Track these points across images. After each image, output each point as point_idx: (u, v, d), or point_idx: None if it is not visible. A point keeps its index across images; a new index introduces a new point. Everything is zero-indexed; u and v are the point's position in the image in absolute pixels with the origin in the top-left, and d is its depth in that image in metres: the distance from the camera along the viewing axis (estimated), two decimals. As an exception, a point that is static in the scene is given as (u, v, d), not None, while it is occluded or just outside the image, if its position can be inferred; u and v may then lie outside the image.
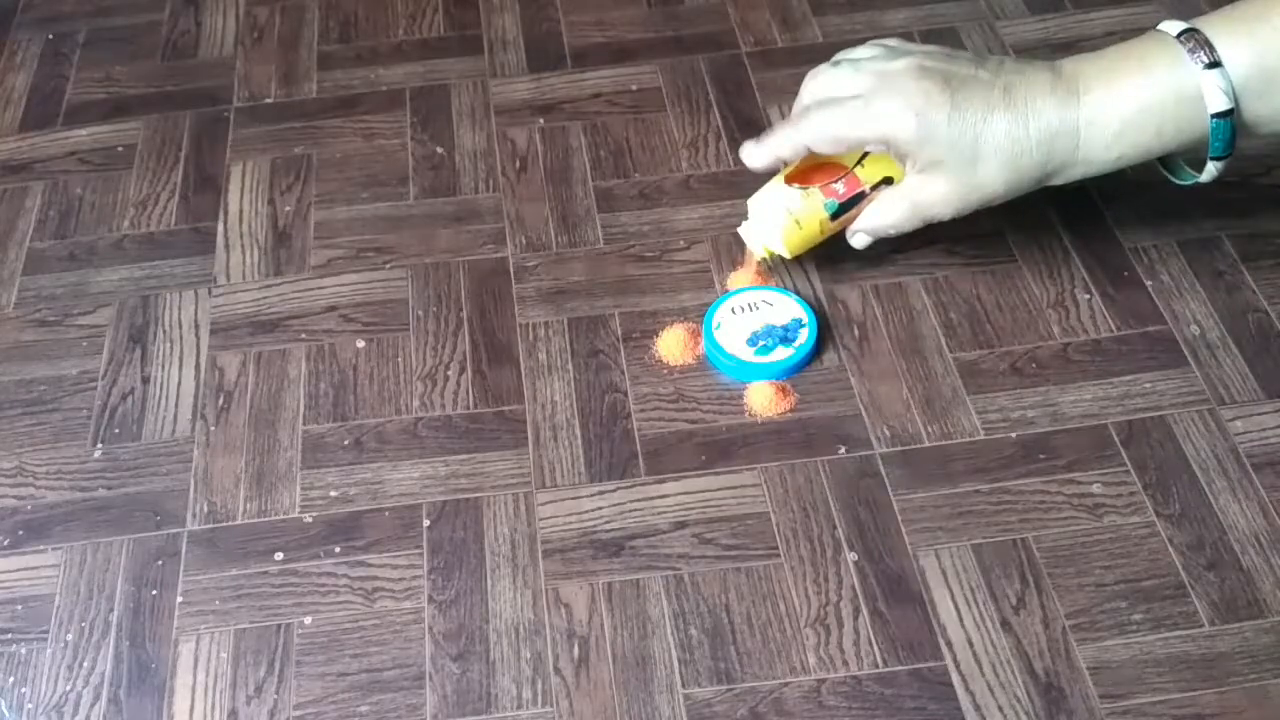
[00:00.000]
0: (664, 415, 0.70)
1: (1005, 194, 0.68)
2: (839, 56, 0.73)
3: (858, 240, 0.73)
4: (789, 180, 0.72)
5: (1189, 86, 0.63)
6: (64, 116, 0.91)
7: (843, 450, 0.68)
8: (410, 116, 0.89)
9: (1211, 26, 0.63)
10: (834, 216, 0.71)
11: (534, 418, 0.70)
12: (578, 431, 0.69)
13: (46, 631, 0.63)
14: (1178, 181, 0.70)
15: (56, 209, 0.84)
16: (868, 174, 0.71)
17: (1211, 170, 0.66)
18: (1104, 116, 0.65)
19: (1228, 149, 0.64)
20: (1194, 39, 0.63)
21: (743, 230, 0.74)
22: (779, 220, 0.71)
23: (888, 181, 0.71)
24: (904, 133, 0.66)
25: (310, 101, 0.91)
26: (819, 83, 0.71)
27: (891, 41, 0.73)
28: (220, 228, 0.82)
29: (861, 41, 0.90)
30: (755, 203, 0.73)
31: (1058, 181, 0.68)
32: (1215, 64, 0.62)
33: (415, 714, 0.59)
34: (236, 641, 0.62)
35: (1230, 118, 0.63)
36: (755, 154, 0.72)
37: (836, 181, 0.71)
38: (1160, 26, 0.65)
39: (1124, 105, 0.64)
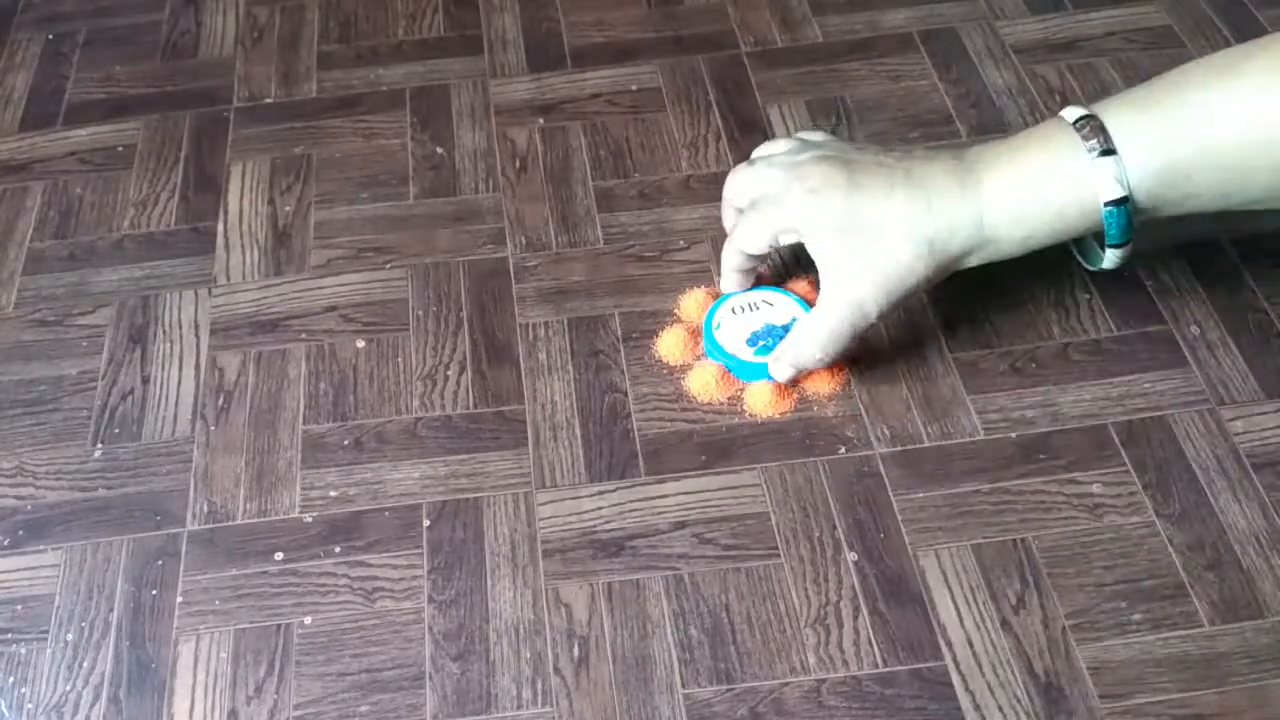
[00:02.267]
0: (664, 415, 0.70)
1: (921, 272, 0.65)
2: (757, 153, 0.73)
3: (780, 372, 0.69)
4: None
5: (1086, 173, 0.62)
6: (64, 116, 0.91)
7: (843, 450, 0.68)
8: (410, 116, 0.89)
9: (1110, 112, 0.62)
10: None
11: (534, 418, 0.70)
12: (578, 431, 0.69)
13: (46, 631, 0.63)
14: (1088, 266, 0.70)
15: (56, 209, 0.84)
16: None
17: (1112, 257, 0.65)
18: (1003, 199, 0.63)
19: (1124, 236, 0.63)
20: (1090, 125, 0.62)
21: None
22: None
23: None
24: (804, 212, 0.66)
25: (310, 101, 0.91)
26: (737, 186, 0.72)
27: (809, 134, 0.73)
28: (220, 228, 0.82)
29: (862, 42, 0.91)
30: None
31: (975, 261, 0.66)
32: (1109, 151, 0.61)
33: (415, 714, 0.59)
34: (236, 641, 0.62)
35: (1125, 205, 0.62)
36: (726, 283, 0.73)
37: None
38: (1063, 112, 0.64)
39: (1022, 189, 0.63)
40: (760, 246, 0.70)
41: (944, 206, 0.64)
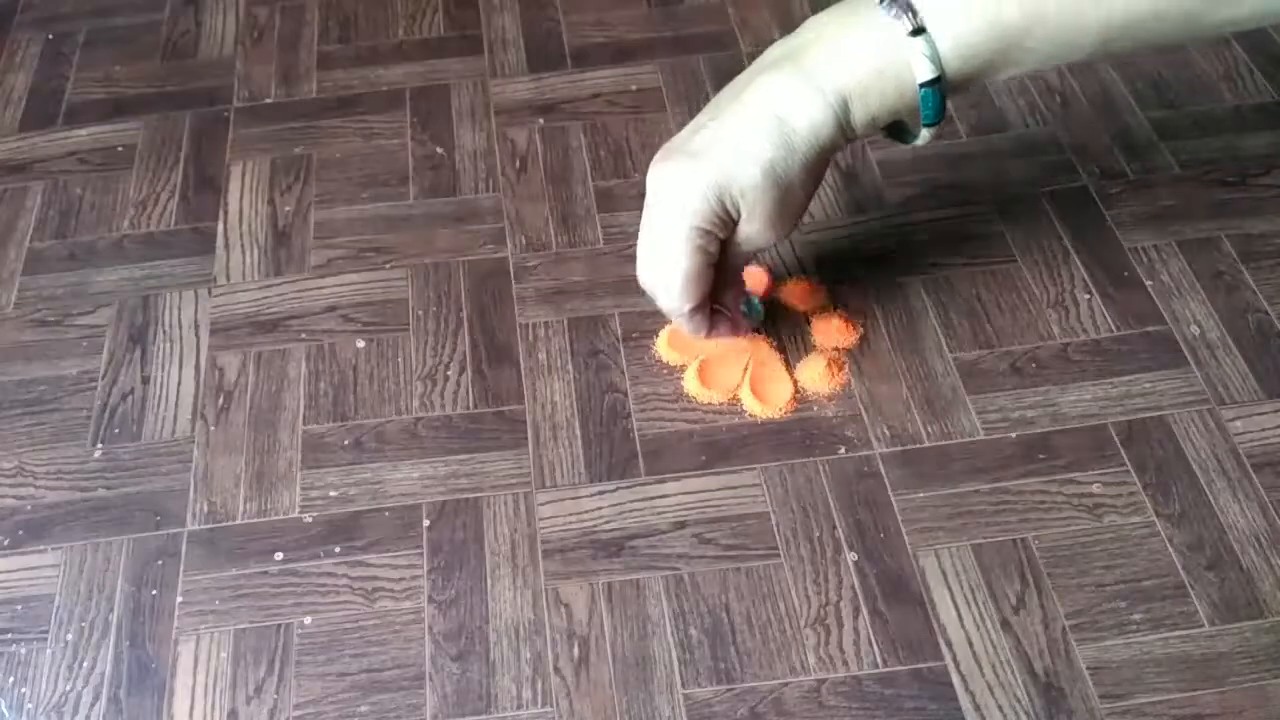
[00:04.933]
0: (664, 415, 0.70)
1: (804, 177, 0.61)
2: None
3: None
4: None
5: (899, 52, 0.58)
6: (64, 116, 0.91)
7: (843, 450, 0.68)
8: (410, 116, 0.89)
9: None
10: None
11: (534, 418, 0.70)
12: (578, 431, 0.69)
13: (46, 631, 0.63)
14: (903, 144, 0.66)
15: (56, 209, 0.84)
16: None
17: (925, 135, 0.62)
18: (834, 77, 0.59)
19: (938, 116, 0.59)
20: (895, 5, 0.58)
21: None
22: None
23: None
24: (697, 197, 0.61)
25: (310, 101, 0.91)
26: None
27: None
28: (220, 228, 0.82)
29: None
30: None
31: (840, 148, 0.61)
32: (920, 30, 0.57)
33: (415, 714, 0.59)
34: (236, 641, 0.62)
35: (937, 86, 0.58)
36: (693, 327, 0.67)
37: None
38: None
39: (847, 71, 0.59)
40: (697, 286, 0.63)
41: (797, 114, 0.60)
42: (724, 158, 0.60)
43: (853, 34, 0.60)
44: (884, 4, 0.58)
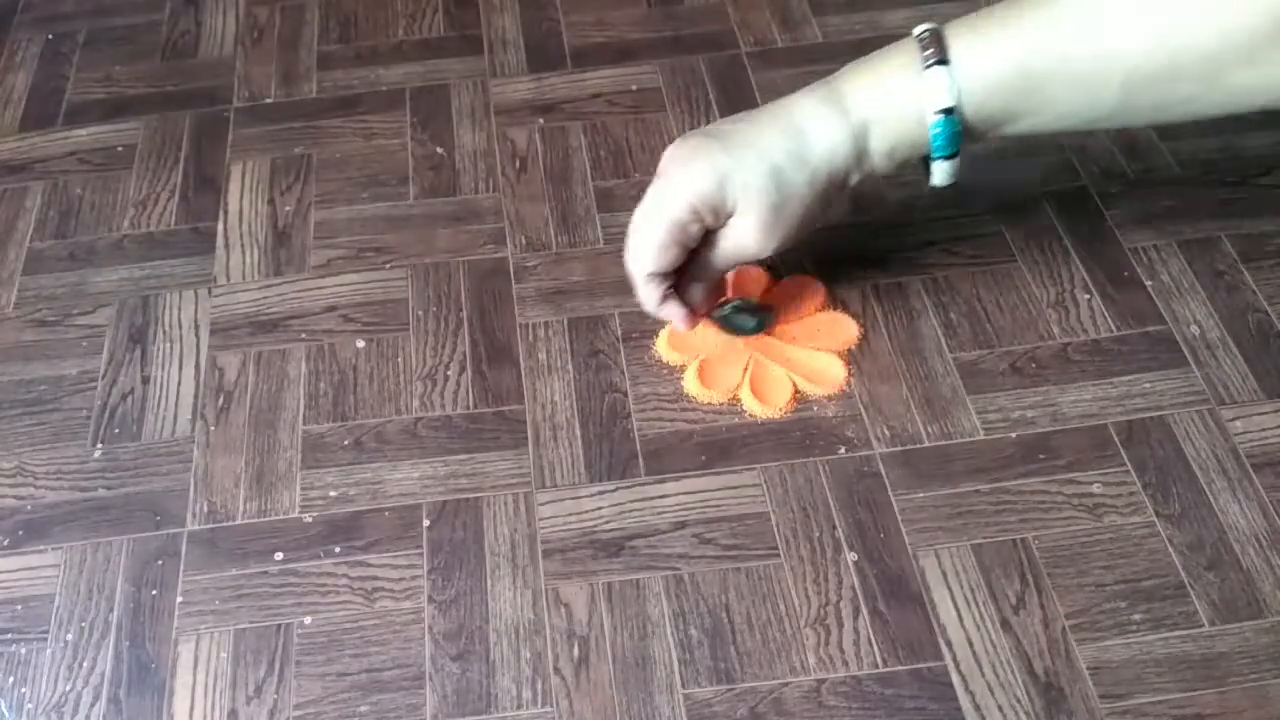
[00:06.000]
0: (664, 415, 0.70)
1: (810, 198, 0.63)
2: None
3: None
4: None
5: (921, 83, 0.61)
6: (64, 116, 0.91)
7: (843, 450, 0.68)
8: (410, 116, 0.89)
9: (953, 27, 0.62)
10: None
11: (534, 418, 0.70)
12: (578, 431, 0.69)
13: (46, 631, 0.63)
14: (930, 185, 0.67)
15: (56, 209, 0.84)
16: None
17: (939, 170, 0.64)
18: (866, 111, 0.63)
19: (949, 148, 0.62)
20: (931, 35, 0.61)
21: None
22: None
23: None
24: (685, 175, 0.63)
25: (310, 101, 0.91)
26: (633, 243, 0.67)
27: None
28: (220, 228, 0.82)
29: (862, 42, 0.91)
30: None
31: (857, 179, 0.64)
32: (942, 62, 0.60)
33: (415, 714, 0.59)
34: (236, 641, 0.62)
35: (951, 115, 0.61)
36: (654, 309, 0.68)
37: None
38: (915, 28, 0.63)
39: (879, 101, 0.63)
40: (663, 255, 0.65)
41: (817, 130, 0.63)
42: (738, 148, 0.63)
43: (887, 65, 0.63)
44: (922, 41, 0.61)
